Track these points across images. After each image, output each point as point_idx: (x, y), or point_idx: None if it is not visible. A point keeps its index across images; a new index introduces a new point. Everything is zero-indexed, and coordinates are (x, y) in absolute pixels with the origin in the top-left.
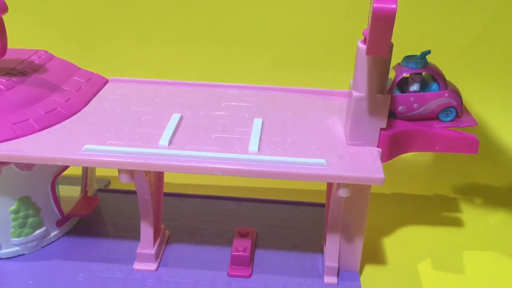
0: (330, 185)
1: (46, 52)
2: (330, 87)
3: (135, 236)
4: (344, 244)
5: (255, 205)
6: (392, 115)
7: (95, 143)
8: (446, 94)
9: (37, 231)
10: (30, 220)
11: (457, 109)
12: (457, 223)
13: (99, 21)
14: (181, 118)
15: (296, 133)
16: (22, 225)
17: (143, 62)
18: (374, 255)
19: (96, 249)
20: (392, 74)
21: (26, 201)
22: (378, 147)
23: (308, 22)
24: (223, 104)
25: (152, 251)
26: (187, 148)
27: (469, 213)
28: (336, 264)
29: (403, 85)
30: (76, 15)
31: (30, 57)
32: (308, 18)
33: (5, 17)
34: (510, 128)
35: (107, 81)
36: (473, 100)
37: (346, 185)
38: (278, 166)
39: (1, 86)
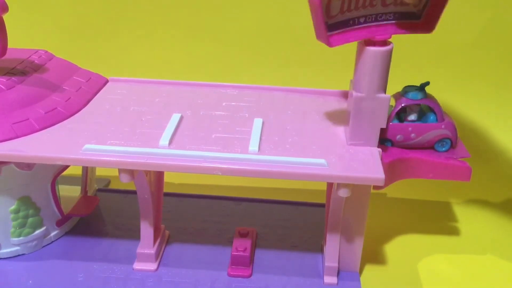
0: (330, 185)
1: (46, 52)
2: (330, 87)
3: (135, 236)
4: (344, 244)
5: (255, 205)
6: (390, 143)
7: (95, 142)
8: (442, 126)
9: (37, 231)
10: (30, 220)
11: (452, 140)
12: (456, 223)
13: (99, 21)
14: (181, 118)
15: (296, 133)
16: (22, 225)
17: (143, 62)
18: (374, 255)
19: (96, 249)
20: (392, 102)
21: (26, 201)
22: None
23: (308, 22)
24: (223, 104)
25: (152, 251)
26: (187, 148)
27: (469, 214)
28: (336, 264)
29: (401, 112)
30: (76, 15)
31: (30, 56)
32: (308, 18)
33: (5, 17)
34: (509, 129)
35: (107, 81)
36: (472, 100)
37: (346, 185)
38: (278, 166)
39: (1, 86)
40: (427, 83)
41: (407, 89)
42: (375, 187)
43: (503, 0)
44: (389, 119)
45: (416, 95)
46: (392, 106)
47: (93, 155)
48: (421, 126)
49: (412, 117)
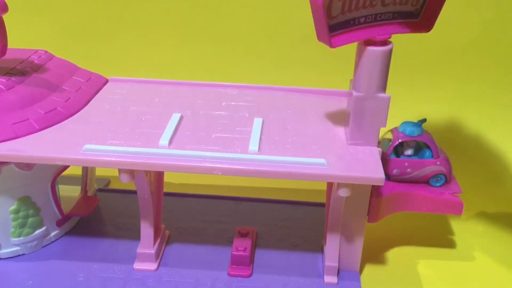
0: (330, 185)
1: (46, 52)
2: (330, 87)
3: (135, 235)
4: (344, 244)
5: (255, 205)
6: (387, 176)
7: (95, 142)
8: (437, 162)
9: (37, 231)
10: (30, 220)
11: (446, 176)
12: (457, 223)
13: (99, 21)
14: (181, 118)
15: (296, 132)
16: (22, 225)
17: (143, 62)
18: (374, 255)
19: (96, 249)
20: (389, 135)
21: (26, 201)
22: (369, 210)
23: (308, 22)
24: (223, 103)
25: (152, 250)
26: (187, 148)
27: (469, 214)
28: (336, 264)
29: (398, 147)
30: (76, 15)
31: (30, 57)
32: (308, 18)
33: (5, 17)
34: (508, 131)
35: (107, 81)
36: (472, 101)
37: (346, 185)
38: (278, 165)
39: (1, 86)
40: (424, 120)
41: (404, 125)
42: (369, 220)
43: (503, 0)
44: (386, 154)
45: (413, 131)
46: (389, 139)
47: (93, 155)
48: (417, 162)
49: (409, 152)
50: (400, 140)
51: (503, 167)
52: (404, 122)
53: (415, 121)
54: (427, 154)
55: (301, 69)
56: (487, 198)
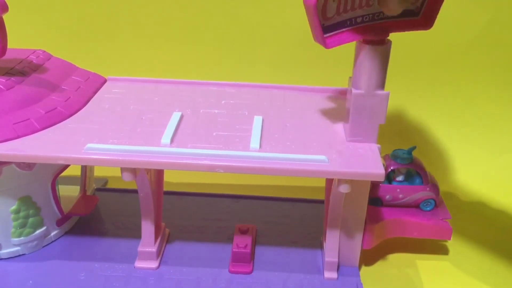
0: (329, 181)
1: (44, 51)
2: (329, 84)
3: (135, 234)
4: (344, 240)
5: (254, 202)
6: (380, 202)
7: (96, 141)
8: (427, 188)
9: (38, 231)
10: (30, 219)
11: (436, 201)
12: (457, 221)
13: (98, 20)
14: (181, 117)
15: (296, 130)
16: (23, 225)
17: (141, 61)
18: (374, 250)
19: (97, 248)
20: (382, 161)
21: (26, 201)
22: (364, 236)
23: (307, 21)
24: (223, 102)
25: (153, 249)
26: (189, 146)
27: (469, 214)
28: (336, 259)
29: (390, 173)
30: (75, 15)
31: (28, 56)
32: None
33: (5, 17)
34: (509, 130)
35: (105, 80)
36: (472, 101)
37: (346, 181)
38: (280, 163)
39: (1, 86)
40: (414, 147)
41: (396, 153)
42: (364, 246)
43: (503, 0)
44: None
45: (404, 159)
46: (383, 164)
47: (96, 154)
48: (408, 188)
49: (400, 178)
50: (392, 168)
51: (505, 166)
52: (395, 150)
53: (406, 148)
54: (417, 180)
55: (300, 68)
56: (488, 197)
